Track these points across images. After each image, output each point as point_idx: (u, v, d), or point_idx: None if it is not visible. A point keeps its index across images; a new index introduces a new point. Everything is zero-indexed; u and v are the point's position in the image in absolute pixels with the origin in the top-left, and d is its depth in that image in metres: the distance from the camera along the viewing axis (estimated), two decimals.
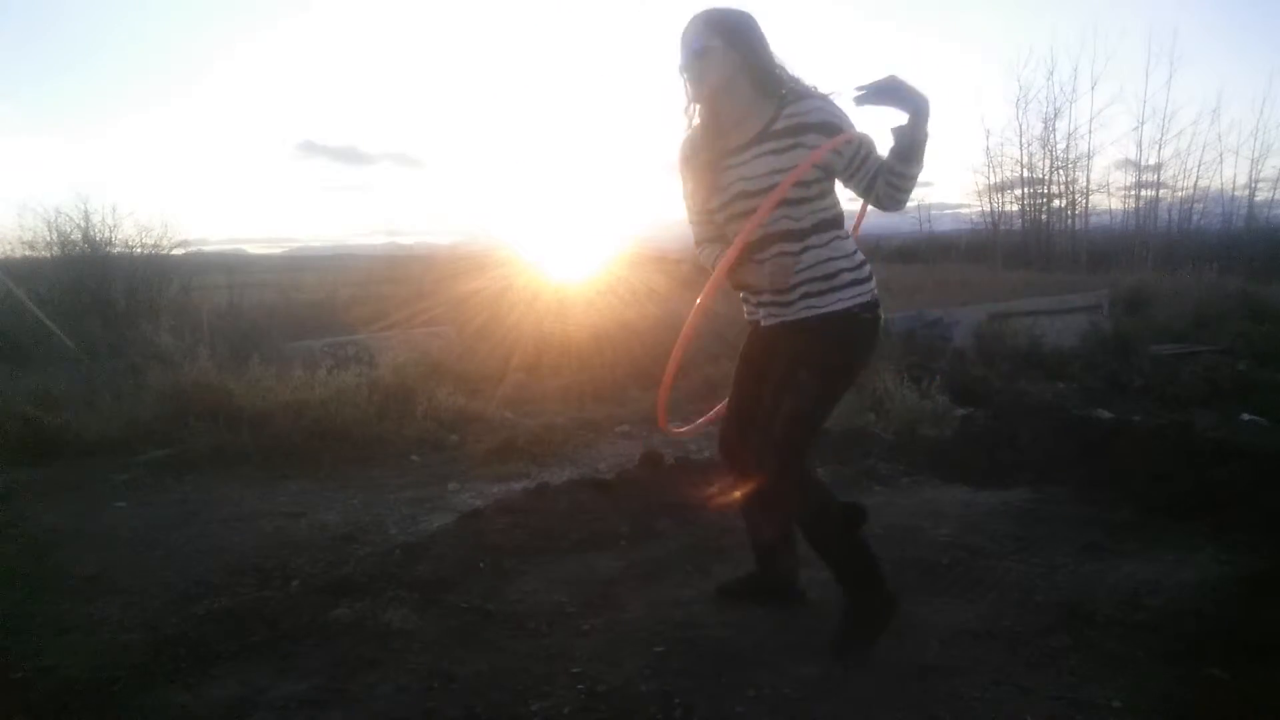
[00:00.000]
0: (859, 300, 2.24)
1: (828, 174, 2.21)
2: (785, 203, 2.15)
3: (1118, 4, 52.39)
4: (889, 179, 2.15)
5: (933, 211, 28.12)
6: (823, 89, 2.21)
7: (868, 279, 2.27)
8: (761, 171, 2.17)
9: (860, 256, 2.29)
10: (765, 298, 2.32)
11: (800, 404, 2.23)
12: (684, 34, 2.20)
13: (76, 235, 11.07)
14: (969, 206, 29.37)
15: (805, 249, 2.22)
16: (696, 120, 2.31)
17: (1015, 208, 25.16)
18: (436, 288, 9.78)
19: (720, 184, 2.26)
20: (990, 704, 2.13)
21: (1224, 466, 3.76)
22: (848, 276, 2.23)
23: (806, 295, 2.24)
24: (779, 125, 2.17)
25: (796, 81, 2.22)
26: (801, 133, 2.14)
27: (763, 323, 2.38)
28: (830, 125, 2.14)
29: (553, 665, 2.37)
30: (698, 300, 2.19)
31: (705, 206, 2.34)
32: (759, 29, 2.21)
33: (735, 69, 2.18)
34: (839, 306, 2.23)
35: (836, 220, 2.26)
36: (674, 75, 2.25)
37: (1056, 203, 24.59)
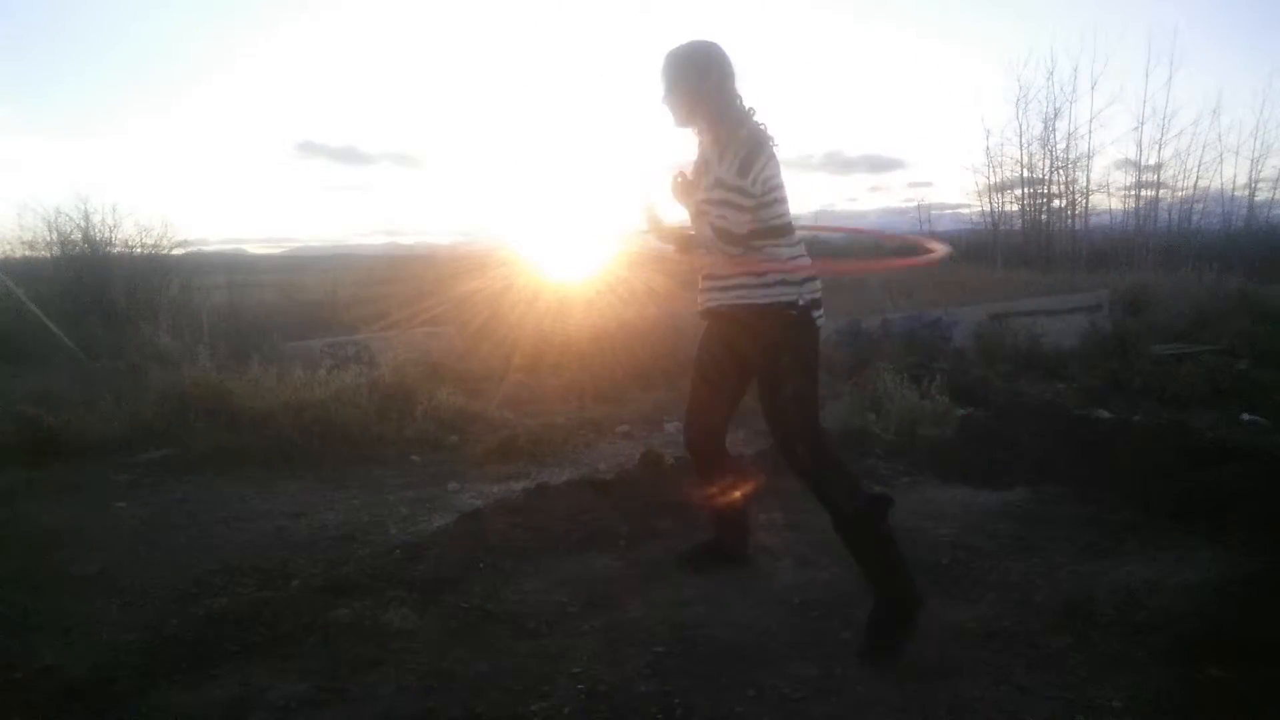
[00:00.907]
0: (784, 299, 2.48)
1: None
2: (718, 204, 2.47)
3: (1118, 4, 52.17)
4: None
5: (933, 211, 28.09)
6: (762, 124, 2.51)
7: (799, 283, 2.49)
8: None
9: (796, 264, 2.52)
10: (713, 282, 2.61)
11: (796, 384, 2.47)
12: None
13: (76, 235, 11.10)
14: (969, 206, 29.29)
15: (746, 250, 2.49)
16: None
17: (1015, 208, 25.12)
18: (436, 288, 9.76)
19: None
20: (990, 704, 2.13)
21: (1224, 466, 3.76)
22: (774, 278, 2.49)
23: (742, 286, 2.52)
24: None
25: (745, 115, 2.52)
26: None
27: (704, 305, 2.68)
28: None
29: (553, 665, 2.37)
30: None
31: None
32: (704, 62, 2.49)
33: (689, 107, 2.54)
34: (763, 300, 2.49)
35: (774, 231, 2.51)
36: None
37: (1056, 203, 24.54)
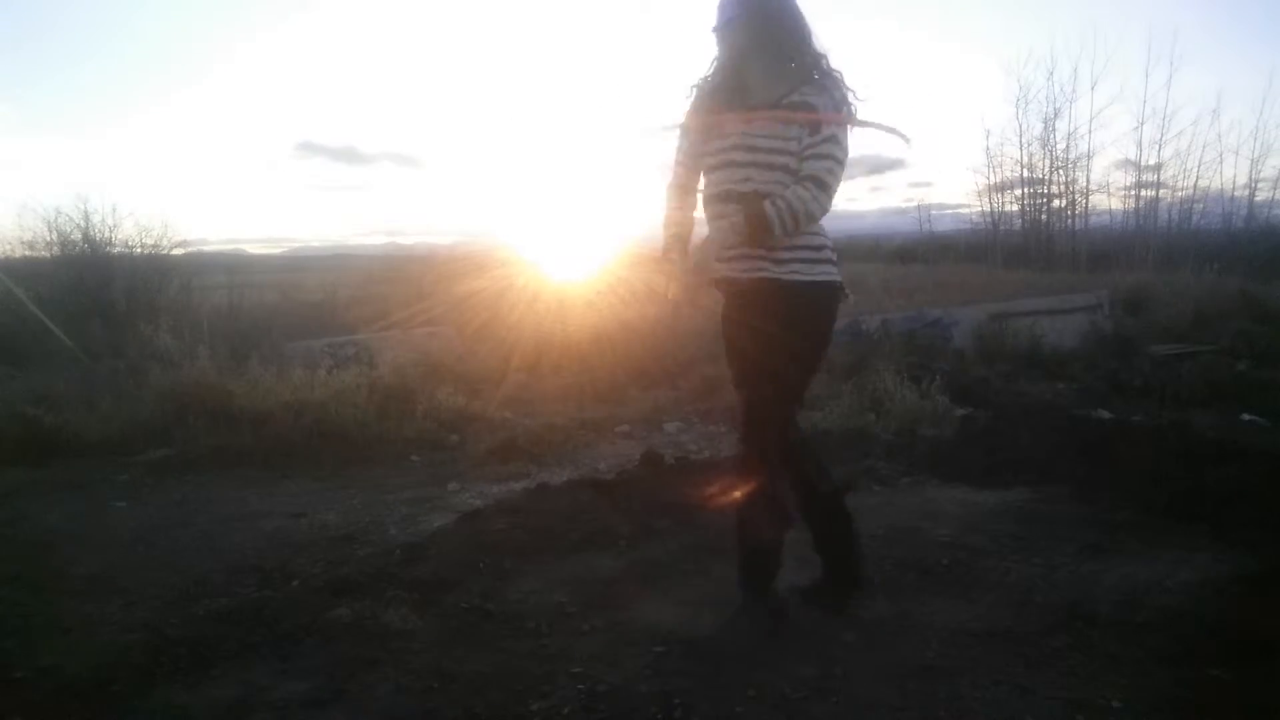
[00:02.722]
0: (831, 277, 2.39)
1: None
2: (755, 165, 2.29)
3: (1118, 4, 52.35)
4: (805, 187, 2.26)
5: (933, 211, 28.18)
6: (844, 76, 2.35)
7: (836, 262, 2.42)
8: (764, 133, 2.30)
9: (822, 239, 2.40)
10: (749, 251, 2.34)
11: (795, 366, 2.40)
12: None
13: (76, 235, 11.07)
14: (969, 206, 29.32)
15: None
16: (711, 76, 2.44)
17: (1015, 208, 25.09)
18: (436, 288, 9.77)
19: (726, 130, 2.36)
20: (990, 704, 2.13)
21: (1224, 466, 3.76)
22: (828, 253, 2.39)
23: (798, 260, 2.33)
24: (792, 99, 2.30)
25: (820, 60, 2.34)
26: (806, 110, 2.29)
27: (742, 276, 2.38)
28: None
29: (553, 665, 2.37)
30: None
31: (700, 149, 2.43)
32: (784, 4, 2.34)
33: (754, 40, 2.33)
34: (823, 277, 2.37)
35: None
36: (708, 35, 2.41)
37: (1056, 203, 24.52)
